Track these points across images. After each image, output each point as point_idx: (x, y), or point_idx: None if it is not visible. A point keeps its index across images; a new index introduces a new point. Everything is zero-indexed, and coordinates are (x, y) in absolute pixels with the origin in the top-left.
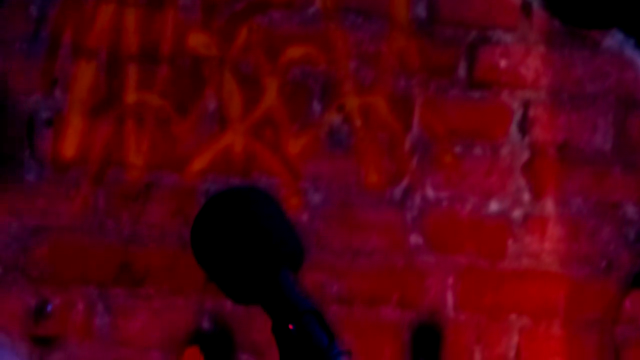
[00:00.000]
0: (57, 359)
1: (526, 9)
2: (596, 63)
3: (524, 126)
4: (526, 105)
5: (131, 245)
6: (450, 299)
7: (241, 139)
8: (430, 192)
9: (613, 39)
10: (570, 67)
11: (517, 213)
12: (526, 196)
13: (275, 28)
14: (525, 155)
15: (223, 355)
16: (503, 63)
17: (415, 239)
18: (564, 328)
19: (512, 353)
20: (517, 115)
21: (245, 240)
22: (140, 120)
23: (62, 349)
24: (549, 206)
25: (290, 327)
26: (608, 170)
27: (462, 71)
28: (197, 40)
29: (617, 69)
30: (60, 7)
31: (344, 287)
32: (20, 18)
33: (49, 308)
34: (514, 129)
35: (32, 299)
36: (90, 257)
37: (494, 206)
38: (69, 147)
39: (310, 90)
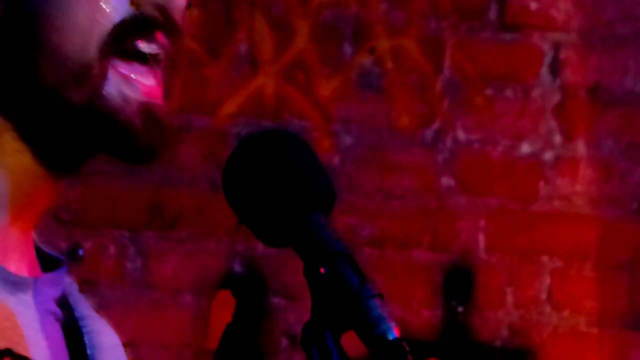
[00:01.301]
0: (89, 303)
1: None
2: (627, 5)
3: (555, 68)
4: (557, 47)
5: (162, 188)
6: (482, 241)
7: (272, 81)
8: (461, 135)
9: None
10: (600, 9)
11: (548, 155)
12: (557, 138)
13: None
14: (556, 98)
15: (255, 299)
16: (533, 5)
17: (446, 181)
18: (596, 270)
19: (544, 295)
20: (548, 58)
21: (277, 183)
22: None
23: (94, 292)
24: (580, 148)
25: (322, 270)
26: (639, 112)
27: (492, 13)
28: None
29: None
30: None
31: (376, 230)
32: None
33: (81, 252)
34: (544, 71)
35: (64, 242)
36: (122, 201)
37: (525, 148)
38: None
39: (341, 33)
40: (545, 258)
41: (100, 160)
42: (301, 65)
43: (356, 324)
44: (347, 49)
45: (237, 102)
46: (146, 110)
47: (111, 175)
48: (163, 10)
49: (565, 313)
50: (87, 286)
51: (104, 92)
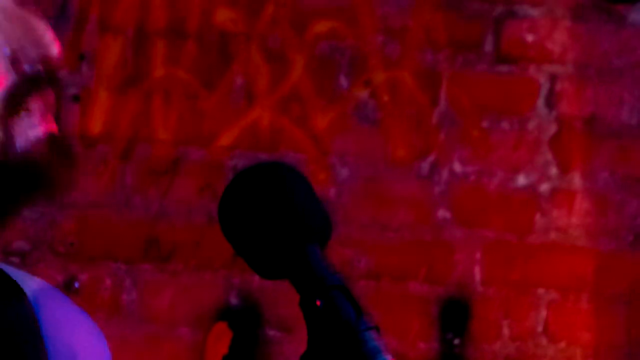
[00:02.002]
0: None
1: None
2: (622, 37)
3: (551, 100)
4: (553, 79)
5: (158, 221)
6: (478, 273)
7: (268, 114)
8: (457, 167)
9: (639, 13)
10: (596, 41)
11: (544, 187)
12: (553, 170)
13: (301, 3)
14: (552, 129)
15: (251, 331)
16: (530, 37)
17: (442, 213)
18: (592, 302)
19: (540, 327)
20: (544, 90)
21: (273, 215)
22: (168, 96)
23: None
24: (576, 180)
25: (318, 302)
26: (635, 144)
27: (488, 45)
28: (224, 16)
29: None
30: None
31: (372, 262)
32: None
33: (77, 284)
34: (541, 103)
35: (60, 275)
36: (118, 233)
37: (521, 180)
38: (96, 123)
39: (337, 65)
40: (541, 290)
41: (96, 193)
42: (297, 97)
43: (352, 356)
44: (343, 81)
45: (233, 134)
46: (50, 140)
47: (107, 207)
48: (43, 65)
49: (562, 345)
50: None
51: (10, 147)
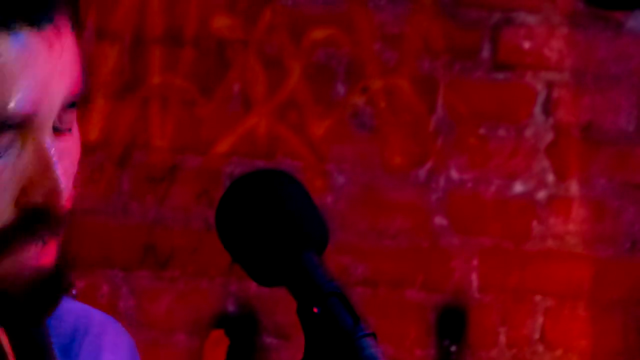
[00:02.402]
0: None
1: None
2: (620, 44)
3: (548, 107)
4: (550, 86)
5: (156, 227)
6: (475, 280)
7: (265, 121)
8: (454, 174)
9: (636, 20)
10: (593, 48)
11: (541, 194)
12: (550, 177)
13: (299, 10)
14: (549, 137)
15: (248, 338)
16: (527, 44)
17: (439, 220)
18: (589, 309)
19: (537, 334)
20: (541, 97)
21: (270, 222)
22: (165, 103)
23: None
24: (573, 187)
25: (315, 309)
26: (632, 151)
27: (485, 53)
28: (221, 23)
29: None
30: None
31: (369, 269)
32: None
33: (74, 291)
34: (538, 110)
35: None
36: (115, 240)
37: (518, 187)
38: (94, 129)
39: (334, 72)
40: (538, 297)
41: (93, 199)
42: (294, 104)
43: None
44: (340, 88)
45: (230, 141)
46: (37, 275)
47: (104, 214)
48: (45, 209)
49: (558, 352)
50: None
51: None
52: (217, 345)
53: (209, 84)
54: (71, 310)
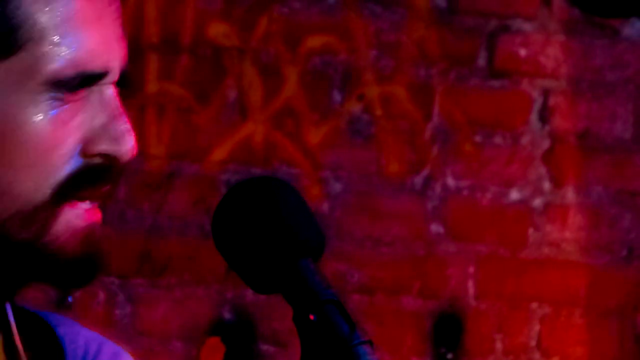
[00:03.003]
0: None
1: None
2: (616, 52)
3: (544, 115)
4: (546, 93)
5: (152, 235)
6: (471, 288)
7: (261, 128)
8: (450, 181)
9: (632, 28)
10: (589, 55)
11: (537, 202)
12: (546, 185)
13: (295, 17)
14: (545, 144)
15: (244, 345)
16: (523, 52)
17: (436, 228)
18: (585, 316)
19: (533, 341)
20: (537, 104)
21: (266, 230)
22: (161, 110)
23: None
24: (570, 195)
25: (311, 316)
26: (628, 159)
27: (482, 60)
28: (218, 30)
29: (636, 58)
30: None
31: (365, 277)
32: None
33: (70, 299)
34: (534, 117)
35: (53, 289)
36: (111, 248)
37: (514, 195)
38: None
39: (331, 80)
40: (534, 305)
41: None
42: (290, 112)
43: None
44: (337, 95)
45: (227, 149)
46: (87, 236)
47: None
48: (112, 160)
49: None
50: None
51: (51, 231)
52: (214, 353)
53: (206, 91)
54: (83, 334)
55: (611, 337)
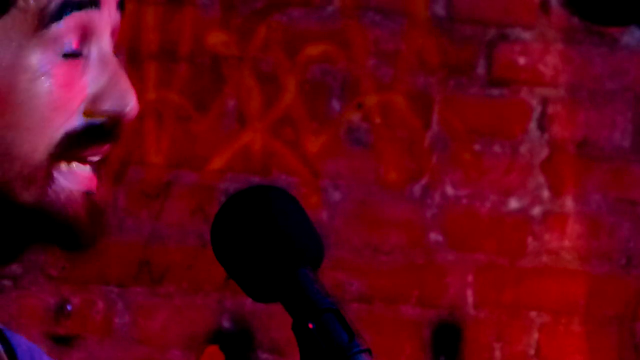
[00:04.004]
0: (77, 358)
1: (544, 6)
2: (615, 60)
3: (543, 123)
4: (545, 102)
5: (151, 243)
6: (470, 296)
7: (260, 137)
8: (449, 190)
9: (632, 36)
10: (588, 64)
11: (536, 210)
12: (545, 193)
13: (294, 26)
14: (544, 153)
15: (243, 354)
16: (522, 60)
17: (434, 236)
18: (584, 325)
19: (532, 350)
20: (536, 113)
21: (265, 238)
22: (160, 119)
23: (82, 348)
24: (569, 203)
25: (310, 325)
26: (627, 167)
27: (481, 69)
28: (216, 39)
29: (635, 66)
30: None
31: (364, 285)
32: None
33: (69, 307)
34: (533, 126)
35: (52, 298)
36: (110, 256)
37: (513, 203)
38: None
39: (330, 88)
40: (533, 313)
41: None
42: (289, 120)
43: None
44: (335, 104)
45: (225, 157)
46: (88, 200)
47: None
48: (114, 119)
49: None
50: (75, 341)
51: (50, 191)
52: None
53: (204, 100)
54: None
55: (610, 346)
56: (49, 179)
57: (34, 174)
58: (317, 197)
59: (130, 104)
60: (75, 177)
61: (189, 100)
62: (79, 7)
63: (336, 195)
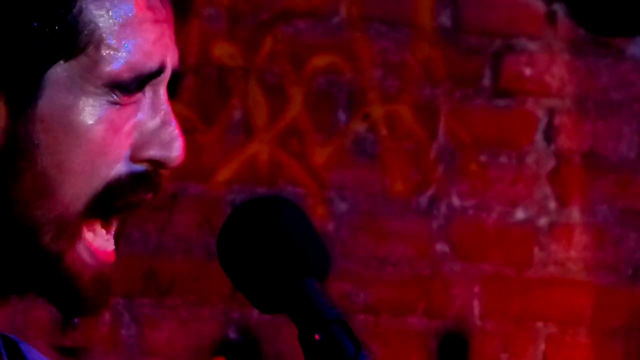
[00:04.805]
0: None
1: (551, 17)
2: (621, 71)
3: (549, 134)
4: (551, 113)
5: (157, 255)
6: (476, 307)
7: (267, 148)
8: (456, 201)
9: (638, 47)
10: (595, 75)
11: (543, 221)
12: (552, 204)
13: (300, 37)
14: (550, 163)
15: None
16: (528, 71)
17: (441, 247)
18: (591, 336)
19: None
20: (542, 124)
21: (271, 250)
22: None
23: (88, 359)
24: (575, 214)
25: (317, 336)
26: (633, 178)
27: (487, 80)
28: (222, 50)
29: None
30: None
31: (370, 296)
32: None
33: (75, 319)
34: (539, 137)
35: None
36: (116, 268)
37: (519, 214)
38: None
39: (336, 100)
40: (540, 324)
41: None
42: (295, 132)
43: None
44: (341, 115)
45: (232, 169)
46: (99, 274)
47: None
48: (158, 166)
49: None
50: (81, 353)
51: (74, 250)
52: None
53: (210, 111)
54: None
55: (617, 357)
56: (79, 236)
57: (67, 225)
58: (324, 208)
59: (177, 152)
60: (93, 253)
61: (195, 111)
62: (149, 79)
63: (342, 207)
